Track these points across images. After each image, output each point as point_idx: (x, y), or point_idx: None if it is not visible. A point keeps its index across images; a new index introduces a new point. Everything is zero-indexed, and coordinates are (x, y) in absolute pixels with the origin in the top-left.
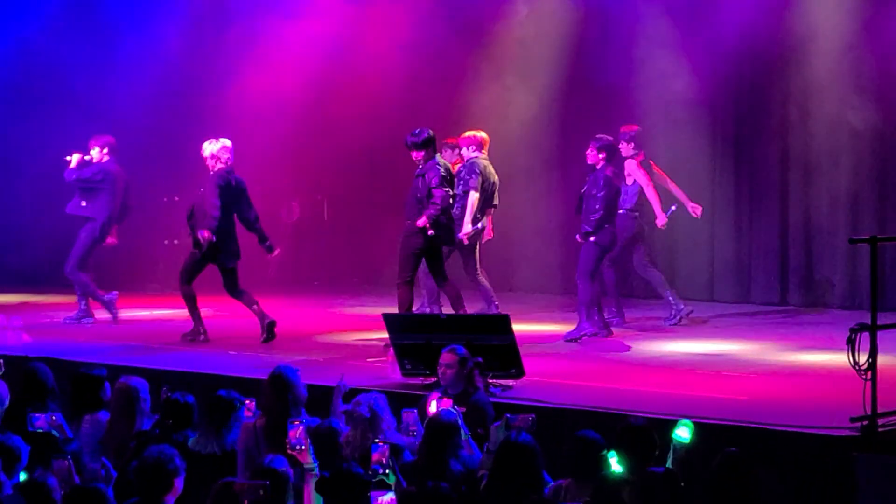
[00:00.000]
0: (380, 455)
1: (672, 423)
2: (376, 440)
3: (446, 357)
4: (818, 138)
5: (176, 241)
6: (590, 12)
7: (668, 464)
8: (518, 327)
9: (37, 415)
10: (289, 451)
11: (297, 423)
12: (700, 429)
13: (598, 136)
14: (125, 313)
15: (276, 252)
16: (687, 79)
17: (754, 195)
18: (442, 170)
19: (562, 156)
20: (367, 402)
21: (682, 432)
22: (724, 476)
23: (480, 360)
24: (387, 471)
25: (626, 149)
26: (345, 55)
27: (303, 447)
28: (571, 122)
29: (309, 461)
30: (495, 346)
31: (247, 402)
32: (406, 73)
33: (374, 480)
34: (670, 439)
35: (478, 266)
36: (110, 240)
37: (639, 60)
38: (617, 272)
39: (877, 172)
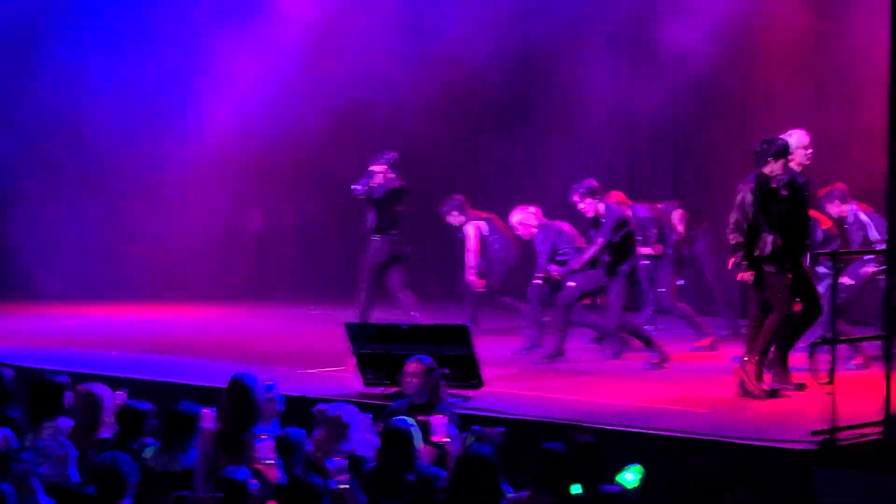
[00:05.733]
0: (336, 470)
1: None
2: (336, 455)
3: (412, 366)
4: None
5: (138, 249)
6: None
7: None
8: None
9: None
10: (255, 466)
11: (264, 437)
12: (660, 441)
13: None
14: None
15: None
16: (646, 94)
17: (718, 208)
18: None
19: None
20: (343, 412)
21: (630, 476)
22: (687, 491)
23: (447, 371)
24: (346, 486)
25: None
26: (311, 64)
27: (270, 462)
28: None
29: (277, 476)
30: (455, 357)
31: (205, 410)
32: (373, 83)
33: (334, 495)
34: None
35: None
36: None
37: (596, 79)
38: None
39: (842, 179)
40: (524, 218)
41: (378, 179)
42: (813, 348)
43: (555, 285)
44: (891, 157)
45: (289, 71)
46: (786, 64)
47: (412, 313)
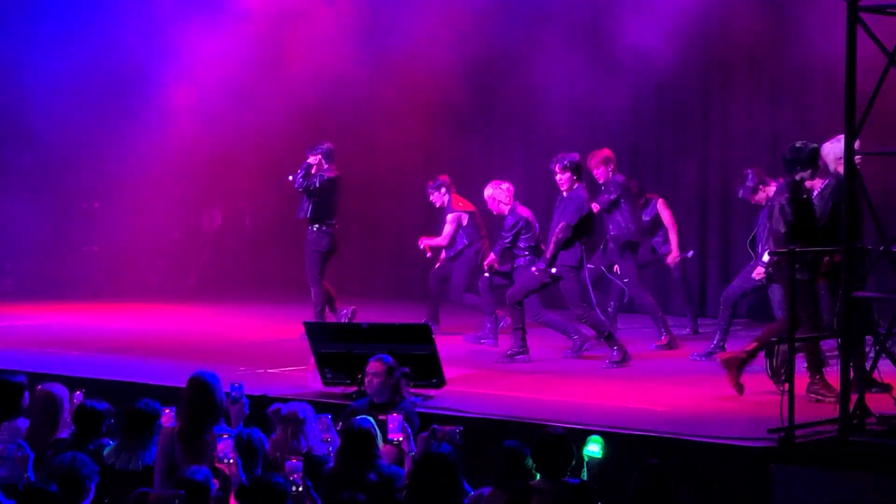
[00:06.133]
0: (291, 470)
1: (586, 434)
2: (291, 456)
3: (373, 366)
4: (736, 148)
5: (95, 248)
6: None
7: (584, 477)
8: None
9: None
10: (216, 465)
11: (225, 436)
12: (618, 440)
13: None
14: (49, 320)
15: None
16: (605, 93)
17: (674, 211)
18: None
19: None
20: (298, 409)
21: (593, 448)
22: (647, 488)
23: (407, 370)
24: (300, 489)
25: None
26: (268, 61)
27: (230, 460)
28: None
29: (237, 475)
30: (417, 356)
31: (166, 410)
32: (333, 83)
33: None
34: (584, 455)
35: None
36: None
37: (555, 79)
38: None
39: None
40: (496, 193)
41: (314, 170)
42: (771, 347)
43: (507, 276)
44: (847, 159)
45: (248, 70)
46: (743, 65)
47: (317, 310)
